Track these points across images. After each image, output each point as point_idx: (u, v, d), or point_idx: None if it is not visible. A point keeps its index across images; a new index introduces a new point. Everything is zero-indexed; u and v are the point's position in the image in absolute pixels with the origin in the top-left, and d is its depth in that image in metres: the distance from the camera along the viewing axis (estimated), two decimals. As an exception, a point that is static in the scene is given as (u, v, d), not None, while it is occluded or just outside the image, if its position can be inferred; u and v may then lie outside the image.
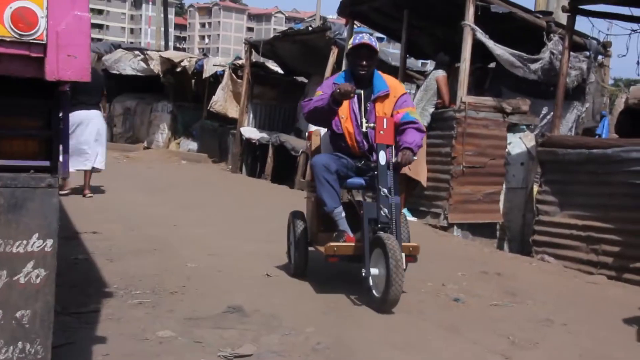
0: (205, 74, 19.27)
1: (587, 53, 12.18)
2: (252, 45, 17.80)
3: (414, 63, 13.90)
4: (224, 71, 18.75)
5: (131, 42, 58.21)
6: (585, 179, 8.62)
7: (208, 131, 19.57)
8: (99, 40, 29.85)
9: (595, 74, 12.41)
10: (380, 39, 17.99)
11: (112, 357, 4.46)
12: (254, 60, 17.52)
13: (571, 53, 10.71)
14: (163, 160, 18.21)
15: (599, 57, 12.44)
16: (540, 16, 12.49)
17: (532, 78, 11.66)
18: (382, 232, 5.72)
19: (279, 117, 17.76)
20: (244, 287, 6.35)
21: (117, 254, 7.20)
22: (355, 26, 14.30)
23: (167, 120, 20.79)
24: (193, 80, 21.01)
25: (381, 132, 5.83)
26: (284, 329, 5.28)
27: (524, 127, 10.99)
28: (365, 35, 6.50)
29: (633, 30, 10.64)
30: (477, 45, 11.23)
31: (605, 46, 12.41)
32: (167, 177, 14.38)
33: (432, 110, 11.04)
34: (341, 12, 13.81)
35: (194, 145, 20.07)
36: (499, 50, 11.34)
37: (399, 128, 6.38)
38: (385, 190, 5.74)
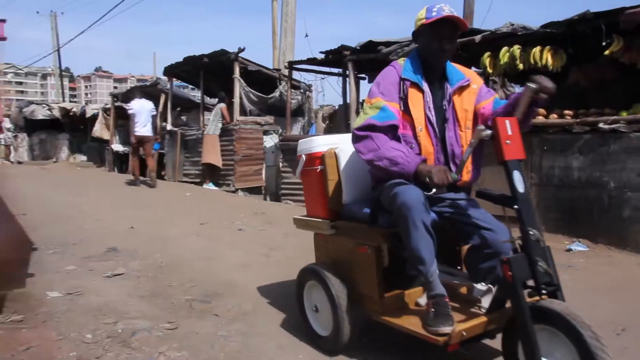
0: (87, 115, 18.41)
1: (301, 90, 12.63)
2: (114, 96, 17.05)
3: (209, 100, 13.74)
4: (98, 112, 17.95)
5: (42, 100, 53.55)
6: (304, 157, 8.90)
7: (92, 148, 18.56)
8: (21, 99, 27.70)
9: (306, 102, 12.92)
10: (192, 88, 17.66)
11: (37, 283, 4.28)
12: (117, 104, 16.74)
13: (292, 90, 11.07)
14: (65, 168, 17.01)
15: (307, 92, 12.93)
16: (274, 71, 12.79)
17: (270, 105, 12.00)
18: (547, 299, 2.27)
19: (135, 137, 17.11)
20: (117, 236, 6.14)
21: (38, 226, 6.75)
22: (174, 81, 14.03)
23: (66, 144, 19.64)
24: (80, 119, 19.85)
25: (507, 141, 2.34)
26: (141, 258, 5.23)
27: (272, 132, 11.24)
28: (445, 7, 2.68)
29: (321, 78, 11.18)
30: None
31: (309, 87, 12.91)
32: (68, 178, 13.47)
33: (220, 125, 11.03)
34: (165, 73, 13.45)
35: (84, 158, 19.06)
36: (250, 93, 11.61)
37: (495, 113, 2.69)
38: (537, 232, 2.31)
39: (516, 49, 6.29)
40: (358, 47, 8.50)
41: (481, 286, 2.69)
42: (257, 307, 3.89)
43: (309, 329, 3.27)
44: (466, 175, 2.75)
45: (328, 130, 12.78)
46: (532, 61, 6.13)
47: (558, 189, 5.81)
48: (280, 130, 11.10)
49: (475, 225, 2.65)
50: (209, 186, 11.03)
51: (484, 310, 2.61)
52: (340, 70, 10.03)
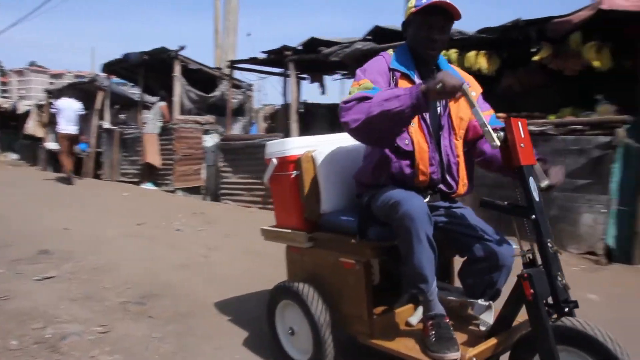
0: (19, 111, 17.66)
1: (242, 90, 12.53)
2: (49, 93, 16.39)
3: (148, 98, 13.40)
4: (32, 109, 17.22)
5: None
6: (245, 156, 8.89)
7: (25, 146, 17.82)
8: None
9: (248, 101, 12.85)
10: (132, 86, 17.18)
11: (-38, 288, 4.09)
12: (51, 101, 16.11)
13: (233, 90, 10.98)
14: (-5, 167, 16.31)
15: (248, 92, 12.86)
16: (216, 70, 12.63)
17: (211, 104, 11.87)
18: (569, 319, 1.99)
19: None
20: (50, 238, 5.92)
21: (-36, 227, 6.47)
22: (113, 78, 13.64)
23: (-4, 141, 18.87)
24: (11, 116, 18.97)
25: (522, 144, 2.09)
26: (75, 259, 5.06)
27: (213, 131, 11.07)
28: None
29: (262, 78, 11.11)
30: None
31: (250, 86, 12.85)
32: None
33: (160, 124, 10.79)
34: (103, 70, 13.06)
35: (16, 156, 18.27)
36: (191, 92, 11.44)
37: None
38: (552, 244, 2.07)
39: (453, 53, 6.45)
40: (300, 47, 8.51)
41: (482, 302, 2.40)
42: (194, 308, 3.82)
43: (284, 355, 2.87)
44: (462, 188, 2.53)
45: (269, 130, 12.74)
46: (467, 65, 6.30)
47: (490, 189, 5.96)
48: (221, 130, 10.97)
49: (474, 236, 2.40)
50: (148, 186, 10.79)
51: (483, 329, 2.37)
52: (282, 70, 10.01)
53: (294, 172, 2.81)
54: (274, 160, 2.91)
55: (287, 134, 8.62)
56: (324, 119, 11.28)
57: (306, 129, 10.38)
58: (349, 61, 8.05)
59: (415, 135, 2.39)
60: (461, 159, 2.50)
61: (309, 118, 11.14)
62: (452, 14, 2.37)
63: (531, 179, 2.09)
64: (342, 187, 2.78)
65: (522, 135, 2.11)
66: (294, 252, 2.94)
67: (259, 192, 8.43)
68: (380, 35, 7.55)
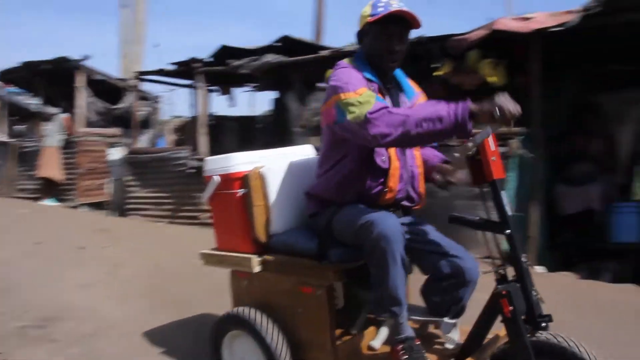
0: None
1: (149, 101, 12.21)
2: None
3: (49, 109, 12.72)
4: None
5: None
6: (152, 170, 8.68)
7: None
8: None
9: (155, 113, 12.53)
10: (31, 95, 16.25)
11: None
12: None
13: (140, 102, 10.71)
14: None
15: (155, 104, 12.55)
16: (122, 81, 12.22)
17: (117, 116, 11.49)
18: (546, 333, 1.96)
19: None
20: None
21: None
22: (10, 87, 12.85)
23: None
24: None
25: (493, 158, 2.00)
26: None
27: (118, 144, 10.70)
28: (394, 1, 2.23)
29: (171, 89, 10.87)
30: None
31: (156, 98, 12.56)
32: None
33: (61, 137, 10.29)
34: (0, 78, 12.31)
35: None
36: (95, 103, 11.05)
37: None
38: (526, 258, 2.11)
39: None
40: (210, 59, 8.42)
41: (449, 320, 2.29)
42: (99, 328, 3.68)
43: None
44: (423, 201, 2.46)
45: (178, 143, 12.47)
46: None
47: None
48: (127, 143, 10.59)
49: (439, 253, 2.30)
50: (48, 202, 10.23)
51: (451, 347, 2.28)
52: (191, 81, 9.86)
53: (241, 190, 2.58)
54: (216, 178, 2.65)
55: (196, 146, 8.49)
56: (233, 132, 11.19)
57: (216, 142, 10.27)
58: (258, 74, 8.08)
59: (391, 152, 2.28)
60: (421, 170, 2.44)
61: (219, 131, 11.02)
62: (411, 23, 2.25)
63: (504, 193, 2.03)
64: (293, 205, 2.61)
65: (493, 149, 2.02)
66: (241, 278, 2.70)
67: (167, 206, 8.24)
68: (289, 44, 7.64)
